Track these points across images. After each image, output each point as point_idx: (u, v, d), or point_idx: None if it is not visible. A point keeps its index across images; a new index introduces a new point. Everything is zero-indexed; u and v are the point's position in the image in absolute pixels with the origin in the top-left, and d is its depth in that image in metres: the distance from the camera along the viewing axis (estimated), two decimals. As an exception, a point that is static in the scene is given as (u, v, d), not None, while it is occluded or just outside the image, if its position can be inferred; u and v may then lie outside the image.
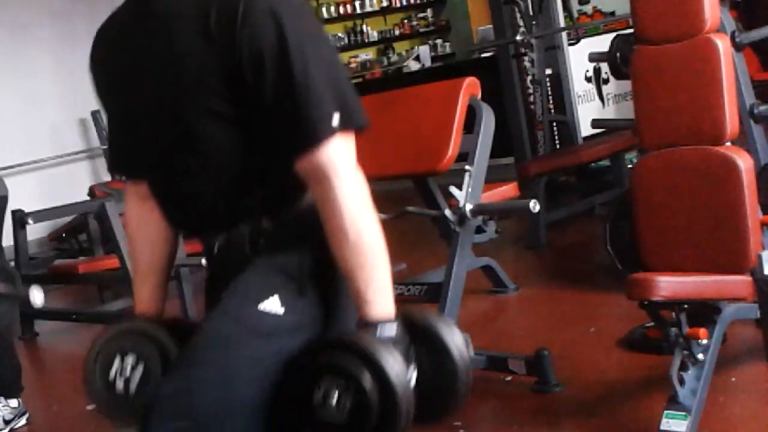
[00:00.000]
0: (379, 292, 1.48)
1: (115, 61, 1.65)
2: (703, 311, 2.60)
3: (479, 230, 3.70)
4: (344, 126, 1.48)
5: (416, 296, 3.81)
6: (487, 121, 3.53)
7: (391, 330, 1.47)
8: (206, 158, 1.54)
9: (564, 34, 6.31)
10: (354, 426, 1.40)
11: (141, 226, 1.76)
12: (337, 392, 1.40)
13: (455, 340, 1.50)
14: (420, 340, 1.50)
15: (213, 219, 1.60)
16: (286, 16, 1.45)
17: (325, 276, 1.56)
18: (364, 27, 11.47)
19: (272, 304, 1.51)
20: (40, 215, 5.34)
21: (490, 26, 7.21)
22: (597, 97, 6.52)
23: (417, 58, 10.65)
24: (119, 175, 1.74)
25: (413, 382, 1.46)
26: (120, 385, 1.58)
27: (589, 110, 6.32)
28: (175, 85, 1.50)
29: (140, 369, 1.58)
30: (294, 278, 1.54)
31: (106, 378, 1.60)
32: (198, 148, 1.53)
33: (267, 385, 1.47)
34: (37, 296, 4.53)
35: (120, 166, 1.80)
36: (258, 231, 1.57)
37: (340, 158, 1.47)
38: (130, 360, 1.59)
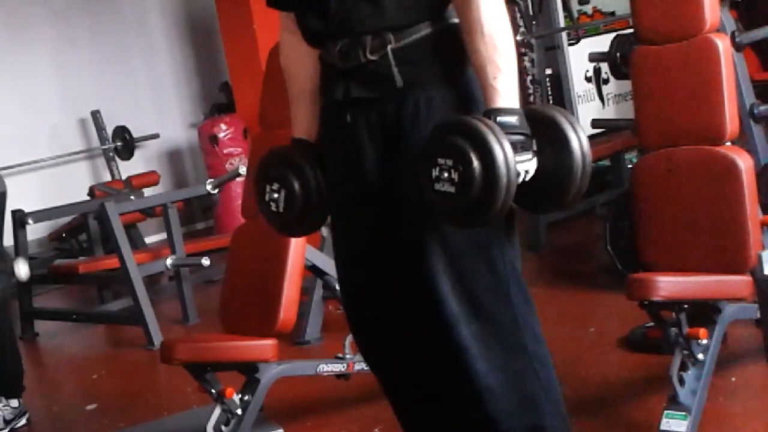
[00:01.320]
0: (506, 83, 1.62)
1: None
2: (703, 311, 2.60)
3: (479, 230, 3.69)
4: None
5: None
6: (487, 121, 3.53)
7: (510, 117, 1.59)
8: None
9: (564, 34, 6.31)
10: (458, 195, 1.54)
11: (291, 55, 1.91)
12: (448, 165, 1.54)
13: (577, 135, 1.60)
14: (544, 133, 1.60)
15: (350, 20, 1.70)
16: None
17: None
18: (364, 27, 11.47)
19: None
20: (40, 215, 5.33)
21: (490, 26, 7.19)
22: (597, 97, 6.51)
23: (417, 58, 10.65)
24: (275, 6, 1.89)
25: (527, 167, 1.58)
26: (272, 206, 1.89)
27: (589, 110, 6.31)
28: None
29: (282, 194, 1.87)
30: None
31: (264, 200, 1.91)
32: None
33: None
34: (22, 269, 4.52)
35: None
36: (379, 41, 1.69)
37: None
38: (275, 187, 1.88)
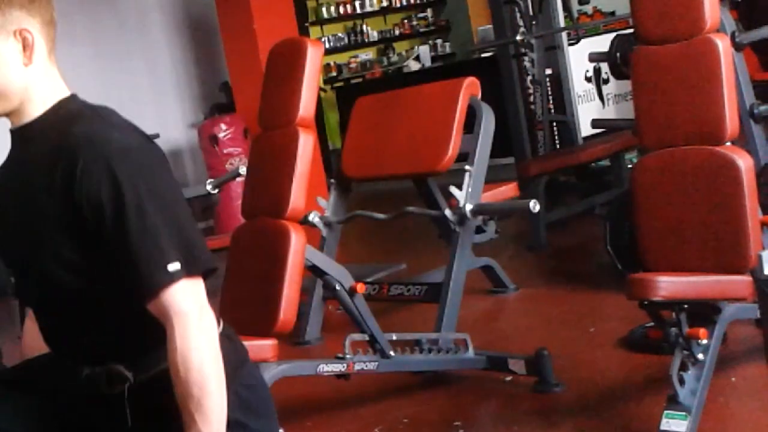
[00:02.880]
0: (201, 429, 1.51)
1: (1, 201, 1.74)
2: (703, 311, 2.60)
3: (479, 230, 3.70)
4: (188, 271, 1.54)
5: (416, 296, 3.81)
6: (487, 121, 3.54)
7: None
8: (64, 300, 1.62)
9: (564, 34, 6.31)
10: None
11: (33, 342, 1.84)
12: None
13: None
14: None
15: (81, 352, 1.67)
16: (124, 170, 1.53)
17: None
18: (364, 27, 11.47)
19: None
20: (40, 215, 5.32)
21: (490, 26, 7.20)
22: (597, 97, 6.52)
23: (417, 58, 10.66)
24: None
25: None
26: None
27: (589, 110, 6.31)
28: (33, 232, 1.61)
29: None
30: None
31: None
32: (56, 291, 1.62)
33: None
34: None
35: (16, 292, 1.88)
36: (116, 376, 1.63)
37: (180, 301, 1.52)
38: None
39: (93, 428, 1.69)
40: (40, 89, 1.68)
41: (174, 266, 1.52)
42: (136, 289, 1.54)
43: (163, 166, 1.62)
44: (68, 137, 1.57)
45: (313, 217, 3.68)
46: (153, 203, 1.53)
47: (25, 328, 1.91)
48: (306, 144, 3.17)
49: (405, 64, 10.58)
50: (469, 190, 3.43)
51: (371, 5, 11.42)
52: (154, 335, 1.57)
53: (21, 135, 1.68)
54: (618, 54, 4.28)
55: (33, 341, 1.85)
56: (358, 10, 11.37)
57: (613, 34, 4.60)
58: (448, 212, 3.49)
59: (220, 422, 1.53)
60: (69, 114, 1.65)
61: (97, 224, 1.53)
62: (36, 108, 1.66)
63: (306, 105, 3.28)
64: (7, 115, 1.68)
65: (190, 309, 1.53)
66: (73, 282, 1.59)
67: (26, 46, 1.69)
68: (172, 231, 1.55)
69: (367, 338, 3.07)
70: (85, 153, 1.53)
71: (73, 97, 1.71)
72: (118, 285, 1.56)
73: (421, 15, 11.60)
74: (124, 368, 1.63)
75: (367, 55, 11.43)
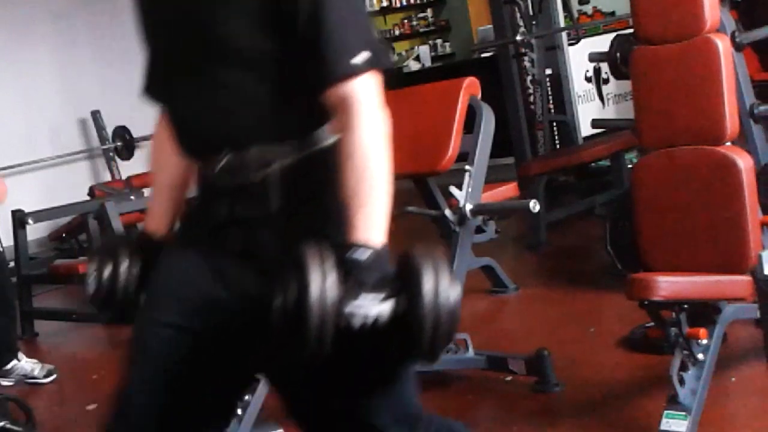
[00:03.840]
0: (367, 219, 1.50)
1: None
2: (703, 311, 2.60)
3: (479, 230, 3.69)
4: (372, 65, 1.54)
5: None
6: (487, 121, 3.53)
7: (362, 254, 1.45)
8: (229, 79, 1.60)
9: (564, 34, 6.31)
10: (276, 323, 1.42)
11: (161, 148, 1.83)
12: (278, 291, 1.42)
13: (436, 283, 1.42)
14: (407, 277, 1.45)
15: (221, 137, 1.63)
16: None
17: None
18: (364, 27, 11.47)
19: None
20: (40, 215, 5.33)
21: (490, 26, 7.20)
22: (597, 97, 6.52)
23: (417, 58, 10.66)
24: (149, 100, 1.83)
25: (375, 309, 1.41)
26: (87, 283, 1.80)
27: (589, 110, 6.32)
28: (209, 8, 1.57)
29: (93, 276, 1.78)
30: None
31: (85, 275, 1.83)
32: (223, 68, 1.59)
33: None
34: None
35: (150, 89, 1.85)
36: (269, 158, 1.59)
37: (366, 92, 1.54)
38: (92, 268, 1.79)
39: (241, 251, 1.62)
40: None
41: (363, 57, 1.53)
42: (323, 71, 1.53)
43: None
44: None
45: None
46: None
47: (156, 134, 1.87)
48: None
49: (405, 64, 10.57)
50: (469, 190, 3.43)
51: (371, 5, 11.40)
52: (313, 118, 1.59)
53: None
54: (618, 54, 4.29)
55: (161, 145, 1.82)
56: (358, 10, 11.37)
57: (613, 34, 4.61)
58: (448, 212, 3.49)
59: (386, 214, 1.52)
60: None
61: (291, 10, 1.52)
62: None
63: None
64: None
65: (372, 101, 1.54)
66: (250, 44, 1.57)
67: None
68: (360, 21, 1.58)
69: (367, 338, 3.07)
70: None
71: None
72: (296, 58, 1.55)
73: (421, 15, 11.60)
74: (273, 150, 1.60)
75: (367, 55, 11.43)
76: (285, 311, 1.40)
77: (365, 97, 1.53)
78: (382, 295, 1.43)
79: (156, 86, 1.81)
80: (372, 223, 1.50)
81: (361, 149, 1.51)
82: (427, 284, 1.41)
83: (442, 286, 1.42)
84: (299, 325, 1.39)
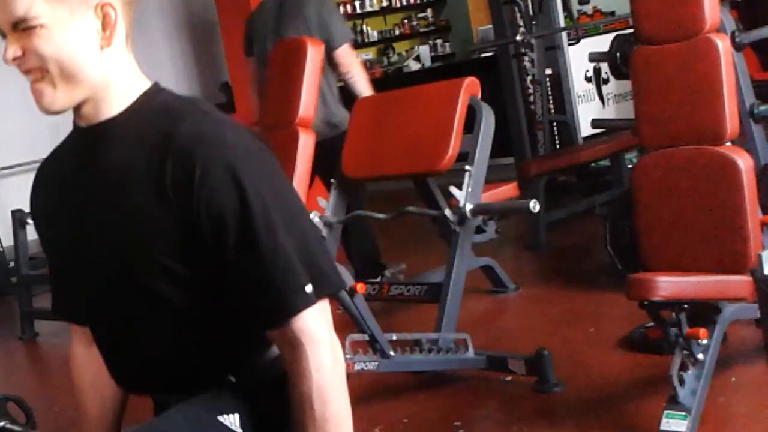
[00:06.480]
0: None
1: (57, 207, 1.54)
2: (703, 311, 2.60)
3: (479, 230, 3.70)
4: (318, 294, 1.39)
5: (416, 296, 3.81)
6: (487, 121, 3.53)
7: None
8: (157, 315, 1.46)
9: (564, 34, 6.31)
10: None
11: (88, 375, 1.70)
12: None
13: None
14: None
15: (166, 378, 1.53)
16: (248, 177, 1.35)
17: None
18: (364, 27, 11.46)
19: (233, 420, 1.46)
20: (40, 215, 5.32)
21: (490, 26, 7.20)
22: (597, 97, 6.52)
23: (417, 58, 10.65)
24: (61, 319, 1.67)
25: None
26: None
27: (589, 110, 6.31)
28: (126, 241, 1.42)
29: None
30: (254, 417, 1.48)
31: None
32: (149, 304, 1.45)
33: None
34: None
35: (62, 309, 1.67)
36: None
37: (314, 327, 1.38)
38: None
39: None
40: (120, 78, 1.45)
41: (307, 288, 1.37)
42: (262, 313, 1.39)
43: (281, 171, 1.44)
44: (174, 136, 1.37)
45: (313, 217, 3.68)
46: (280, 216, 1.37)
47: (73, 353, 1.71)
48: (306, 144, 3.18)
49: (405, 64, 10.57)
50: (469, 190, 3.43)
51: (371, 5, 11.41)
52: (248, 357, 1.48)
53: (96, 133, 1.45)
54: (618, 54, 4.28)
55: (84, 367, 1.69)
56: (358, 10, 11.36)
57: (613, 34, 4.60)
58: (448, 212, 3.49)
59: None
60: (165, 108, 1.44)
61: (217, 236, 1.36)
62: (116, 100, 1.44)
63: (306, 105, 3.29)
64: (75, 107, 1.44)
65: (324, 336, 1.39)
66: (170, 294, 1.42)
67: (106, 25, 1.44)
68: (301, 248, 1.38)
69: (367, 338, 3.07)
70: (202, 155, 1.34)
71: (158, 87, 1.49)
72: (222, 300, 1.41)
73: (421, 15, 11.59)
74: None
75: (367, 55, 11.42)
76: None
77: (315, 336, 1.38)
78: None
79: (72, 308, 1.65)
80: None
81: (320, 397, 1.37)
82: None
83: None
84: None
